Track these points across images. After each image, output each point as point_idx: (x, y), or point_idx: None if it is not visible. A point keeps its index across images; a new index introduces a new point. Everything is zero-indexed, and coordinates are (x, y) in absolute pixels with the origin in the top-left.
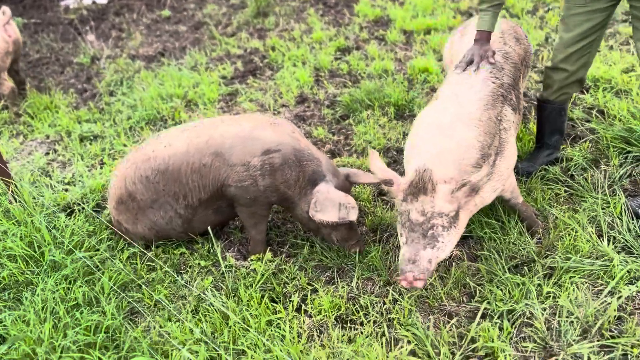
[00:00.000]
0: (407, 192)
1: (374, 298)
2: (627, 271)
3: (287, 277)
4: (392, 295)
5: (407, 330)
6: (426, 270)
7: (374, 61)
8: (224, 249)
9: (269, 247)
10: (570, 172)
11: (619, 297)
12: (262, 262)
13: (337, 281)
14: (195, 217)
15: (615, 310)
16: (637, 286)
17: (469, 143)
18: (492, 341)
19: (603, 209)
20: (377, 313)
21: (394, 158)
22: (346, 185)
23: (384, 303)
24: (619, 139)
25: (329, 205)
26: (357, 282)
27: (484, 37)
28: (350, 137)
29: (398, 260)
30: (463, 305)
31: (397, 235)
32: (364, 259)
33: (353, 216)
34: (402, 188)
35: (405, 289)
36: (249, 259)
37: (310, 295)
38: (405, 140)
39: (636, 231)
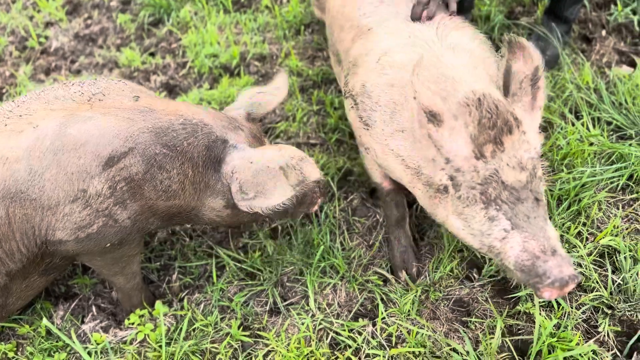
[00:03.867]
0: (478, 141)
1: (354, 324)
2: None
3: (204, 332)
4: (380, 295)
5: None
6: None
7: None
8: (74, 321)
9: (150, 289)
10: (492, 35)
11: None
12: (152, 323)
13: (283, 311)
14: (9, 299)
15: None
16: None
17: (481, 45)
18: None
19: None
20: (372, 345)
21: (259, 72)
22: (255, 130)
23: (374, 323)
24: None
25: (266, 180)
26: (316, 301)
27: None
28: (183, 55)
29: (514, 264)
30: (476, 288)
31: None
32: (304, 252)
33: (313, 172)
34: (464, 135)
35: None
36: (125, 323)
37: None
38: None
39: (621, 103)
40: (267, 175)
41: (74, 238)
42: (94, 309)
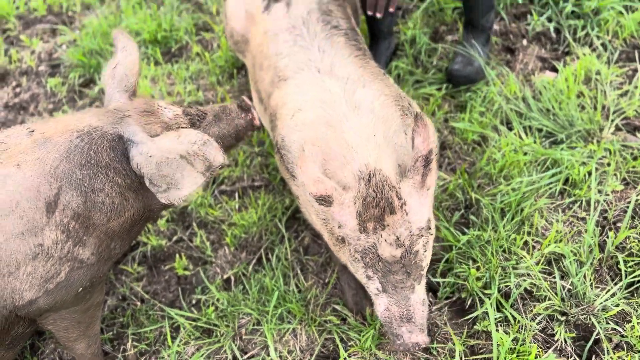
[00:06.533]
0: (362, 217)
1: None
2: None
3: None
4: (339, 334)
5: None
6: (425, 324)
7: None
8: None
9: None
10: (420, 59)
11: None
12: None
13: None
14: None
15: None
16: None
17: (385, 102)
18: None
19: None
20: None
21: None
22: (141, 105)
23: None
24: None
25: (171, 171)
26: (276, 350)
27: None
28: None
29: (379, 317)
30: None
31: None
32: (259, 300)
33: (217, 156)
34: (351, 210)
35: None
36: None
37: None
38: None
39: (548, 109)
40: (171, 167)
41: (43, 292)
42: None
